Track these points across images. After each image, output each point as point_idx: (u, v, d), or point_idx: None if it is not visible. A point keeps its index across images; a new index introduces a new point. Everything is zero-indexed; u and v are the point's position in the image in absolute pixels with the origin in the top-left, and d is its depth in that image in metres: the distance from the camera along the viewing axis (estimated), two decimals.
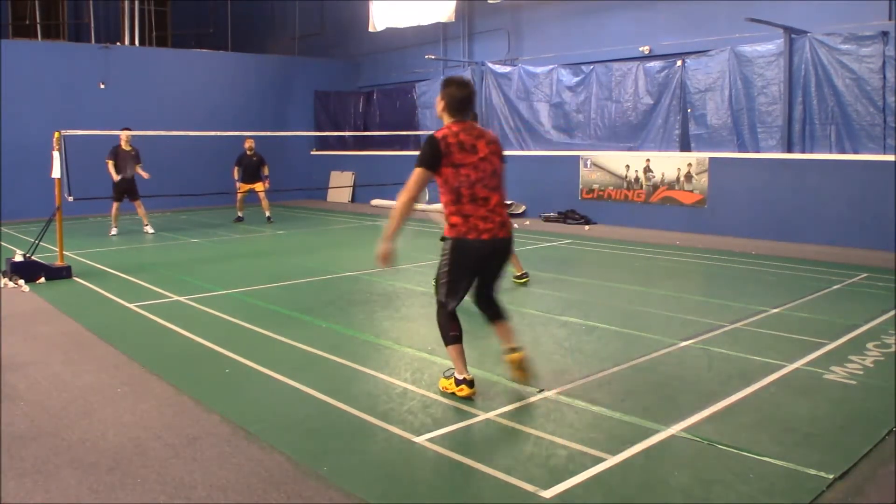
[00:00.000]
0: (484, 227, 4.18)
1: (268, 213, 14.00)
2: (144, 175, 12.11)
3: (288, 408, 4.12)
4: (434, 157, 4.14)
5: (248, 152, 13.75)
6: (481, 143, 4.25)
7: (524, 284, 7.64)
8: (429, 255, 9.74)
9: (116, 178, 11.95)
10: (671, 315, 6.30)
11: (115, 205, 12.13)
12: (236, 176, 13.83)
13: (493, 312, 4.55)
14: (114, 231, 12.14)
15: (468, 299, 4.43)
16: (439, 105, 4.32)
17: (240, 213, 14.12)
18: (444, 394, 4.30)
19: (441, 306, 4.35)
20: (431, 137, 4.20)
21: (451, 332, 4.35)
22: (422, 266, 8.92)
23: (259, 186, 13.96)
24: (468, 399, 4.24)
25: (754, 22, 10.88)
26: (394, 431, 3.73)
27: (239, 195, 13.96)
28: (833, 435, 3.73)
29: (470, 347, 5.37)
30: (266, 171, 13.86)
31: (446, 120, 4.31)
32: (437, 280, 4.40)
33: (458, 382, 4.30)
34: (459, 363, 4.32)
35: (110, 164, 11.98)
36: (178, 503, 3.04)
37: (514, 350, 4.38)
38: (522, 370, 4.35)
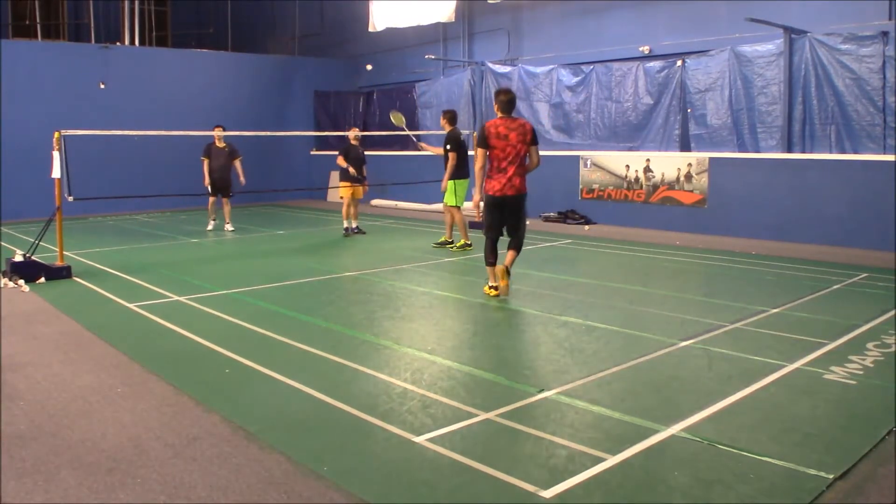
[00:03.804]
0: (499, 187, 6.75)
1: (356, 223, 12.07)
2: (241, 176, 12.29)
3: (288, 408, 4.12)
4: (483, 138, 6.76)
5: (354, 142, 11.88)
6: (512, 134, 6.70)
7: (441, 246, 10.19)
8: (428, 255, 9.75)
9: (207, 176, 12.12)
10: (671, 315, 6.30)
11: (210, 199, 12.39)
12: (351, 169, 11.61)
13: (511, 242, 6.96)
14: (211, 224, 12.51)
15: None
16: (495, 106, 6.88)
17: (346, 223, 11.92)
18: (442, 390, 4.30)
19: (485, 238, 6.98)
20: (482, 126, 6.86)
21: (489, 258, 6.96)
22: (421, 266, 8.92)
23: (360, 191, 11.99)
24: (496, 297, 6.83)
25: (754, 22, 10.88)
26: (394, 431, 3.73)
27: (347, 200, 11.77)
28: (833, 435, 3.73)
29: (470, 350, 5.38)
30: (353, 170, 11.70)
31: (497, 115, 6.82)
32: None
33: (489, 287, 6.95)
34: (492, 277, 6.94)
35: (205, 161, 12.18)
36: (178, 503, 3.04)
37: (506, 269, 6.81)
38: (504, 280, 6.79)
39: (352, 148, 11.87)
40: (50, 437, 3.71)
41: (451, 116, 10.26)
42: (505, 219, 6.88)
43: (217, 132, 12.20)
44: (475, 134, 14.02)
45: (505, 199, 6.76)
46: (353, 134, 12.13)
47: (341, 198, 12.05)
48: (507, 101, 6.77)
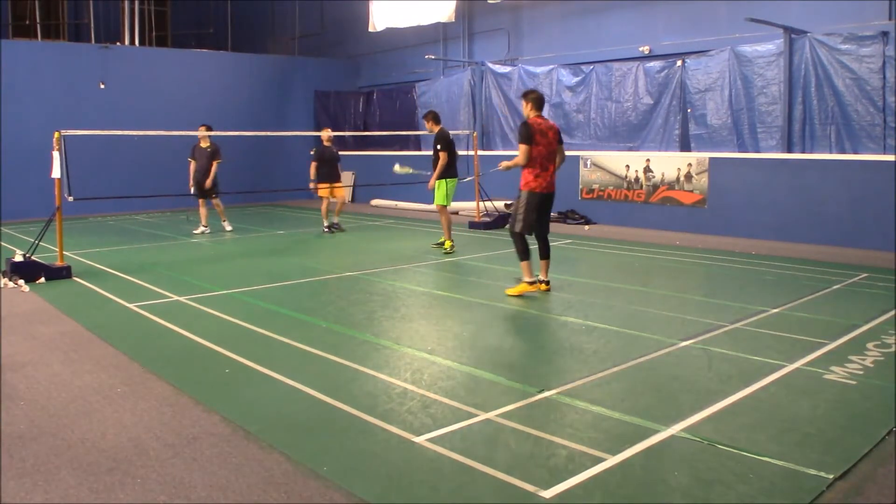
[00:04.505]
0: (546, 185, 6.98)
1: (336, 219, 12.38)
2: (209, 178, 11.76)
3: (288, 408, 4.12)
4: (530, 135, 6.81)
5: (327, 143, 12.09)
6: (550, 132, 6.97)
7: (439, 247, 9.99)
8: (428, 256, 9.75)
9: (191, 178, 11.98)
10: (671, 315, 6.30)
11: (200, 201, 12.15)
12: (314, 175, 11.97)
13: (543, 249, 7.23)
14: (200, 229, 12.09)
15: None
16: (526, 106, 7.03)
17: (327, 222, 12.17)
18: (442, 390, 4.30)
19: (517, 234, 7.03)
20: (526, 123, 6.91)
21: (525, 253, 7.00)
22: (421, 266, 8.92)
23: (340, 191, 12.29)
24: (538, 291, 7.03)
25: (754, 22, 10.88)
26: (394, 431, 3.73)
27: (326, 201, 12.16)
28: (833, 435, 3.73)
29: (470, 350, 5.38)
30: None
31: (531, 115, 6.98)
32: (513, 218, 7.09)
33: (530, 283, 6.98)
34: (528, 272, 7.00)
35: (191, 163, 12.01)
36: (178, 503, 3.04)
37: (544, 282, 7.16)
38: (545, 291, 7.11)
39: (326, 150, 12.07)
40: (50, 437, 3.71)
41: (435, 116, 10.23)
42: (542, 215, 7.18)
43: (201, 132, 11.84)
44: (475, 134, 14.07)
45: (550, 195, 7.13)
46: (325, 135, 12.24)
47: (320, 197, 12.31)
48: (537, 97, 7.06)
